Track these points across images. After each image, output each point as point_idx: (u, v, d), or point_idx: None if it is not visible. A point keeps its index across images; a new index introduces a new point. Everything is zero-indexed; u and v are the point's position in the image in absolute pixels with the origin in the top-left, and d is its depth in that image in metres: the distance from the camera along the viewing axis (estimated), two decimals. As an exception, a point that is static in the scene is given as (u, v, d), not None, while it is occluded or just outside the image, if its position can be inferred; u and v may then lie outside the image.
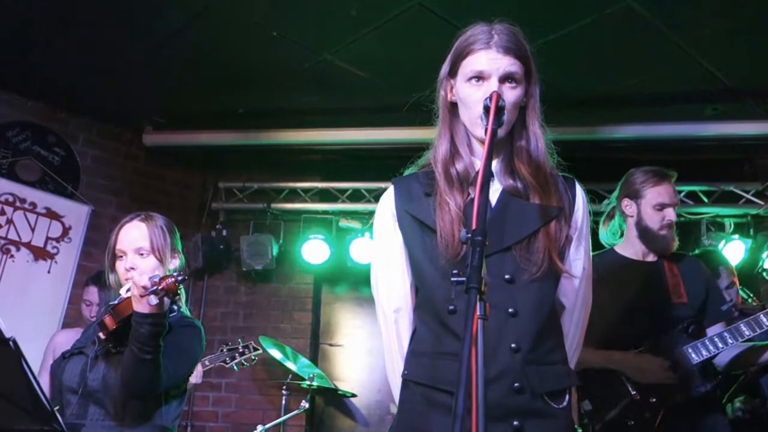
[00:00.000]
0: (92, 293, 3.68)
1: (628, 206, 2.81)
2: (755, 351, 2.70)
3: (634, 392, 2.58)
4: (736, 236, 4.69)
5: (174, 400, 2.19)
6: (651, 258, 2.77)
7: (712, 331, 2.64)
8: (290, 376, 4.35)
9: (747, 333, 2.55)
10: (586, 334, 2.67)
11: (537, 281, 1.59)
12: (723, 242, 4.67)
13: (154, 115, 4.99)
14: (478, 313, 1.16)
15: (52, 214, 4.67)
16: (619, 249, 2.85)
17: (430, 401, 1.58)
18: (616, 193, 2.90)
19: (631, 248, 2.81)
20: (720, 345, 2.56)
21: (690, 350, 2.58)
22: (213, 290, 5.40)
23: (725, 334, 2.56)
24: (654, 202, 2.72)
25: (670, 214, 2.72)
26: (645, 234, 2.74)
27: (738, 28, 3.56)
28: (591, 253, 1.80)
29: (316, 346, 5.31)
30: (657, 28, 3.56)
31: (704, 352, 2.56)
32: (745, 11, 3.41)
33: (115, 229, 2.26)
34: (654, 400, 2.55)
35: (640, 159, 4.96)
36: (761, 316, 2.55)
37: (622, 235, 2.88)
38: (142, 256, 2.19)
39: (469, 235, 1.26)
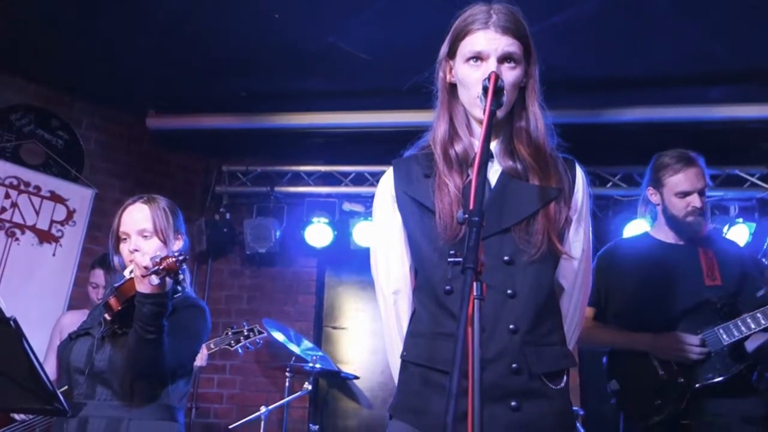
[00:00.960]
0: (98, 276, 3.71)
1: (653, 194, 2.80)
2: None
3: (661, 372, 2.57)
4: (741, 220, 4.68)
5: (180, 380, 2.21)
6: (683, 241, 2.75)
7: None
8: (294, 358, 4.37)
9: None
10: (618, 314, 2.71)
11: (536, 263, 1.59)
12: (727, 226, 4.65)
13: (158, 99, 4.99)
14: (474, 293, 1.16)
15: (56, 198, 4.69)
16: (652, 232, 2.86)
17: (428, 382, 1.58)
18: (644, 180, 2.88)
19: (662, 233, 2.79)
20: (752, 326, 2.51)
21: (721, 331, 2.54)
22: (217, 273, 5.43)
23: (758, 314, 2.51)
24: (676, 191, 2.70)
25: (695, 200, 2.67)
26: (672, 221, 2.73)
27: (745, 10, 3.53)
28: (591, 235, 1.79)
29: (319, 329, 5.34)
30: (662, 10, 3.53)
31: (736, 333, 2.52)
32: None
33: (118, 212, 2.27)
34: (682, 380, 2.53)
35: (645, 142, 4.99)
36: None
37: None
38: (146, 237, 2.20)
39: (467, 216, 1.26)
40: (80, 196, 4.80)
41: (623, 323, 2.71)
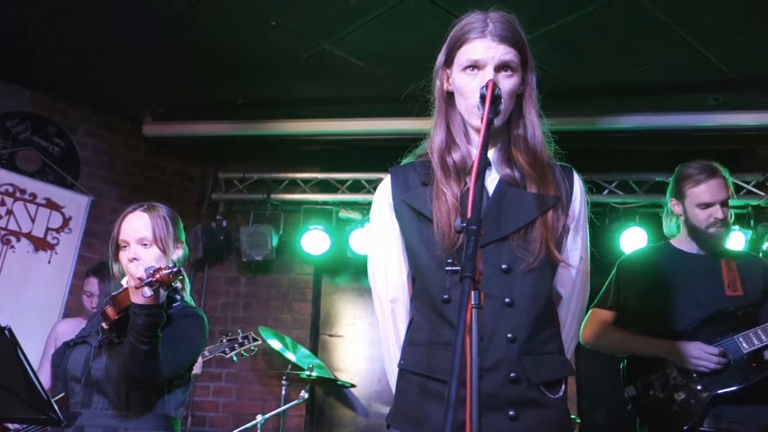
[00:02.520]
0: (92, 284, 3.69)
1: (676, 206, 2.80)
2: None
3: (680, 379, 2.57)
4: (737, 227, 4.68)
5: (177, 389, 2.20)
6: (705, 252, 2.76)
7: None
8: (290, 366, 4.36)
9: None
10: (637, 322, 2.72)
11: (534, 271, 1.59)
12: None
13: (154, 106, 4.98)
14: (472, 302, 1.16)
15: (52, 205, 4.67)
16: (674, 242, 2.86)
17: (426, 391, 1.58)
18: (668, 191, 2.89)
19: (685, 243, 2.80)
20: None
21: (741, 339, 2.55)
22: (213, 281, 5.41)
23: None
24: (697, 202, 2.70)
25: (717, 212, 2.67)
26: (693, 232, 2.74)
27: (740, 18, 3.54)
28: (588, 243, 1.79)
29: (316, 337, 5.32)
30: (658, 18, 3.54)
31: (756, 341, 2.52)
32: (748, 1, 3.39)
33: (118, 220, 2.26)
34: (700, 387, 2.53)
35: (642, 150, 5.00)
36: None
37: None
38: (145, 246, 2.19)
39: (464, 225, 1.25)
40: (76, 204, 4.79)
41: (642, 330, 2.71)
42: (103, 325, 2.10)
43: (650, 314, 2.70)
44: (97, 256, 4.62)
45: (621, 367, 2.81)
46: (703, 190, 2.69)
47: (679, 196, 2.78)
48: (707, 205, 2.68)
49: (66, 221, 4.71)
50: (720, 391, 2.51)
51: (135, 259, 2.14)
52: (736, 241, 4.61)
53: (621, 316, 2.81)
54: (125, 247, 2.20)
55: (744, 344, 2.54)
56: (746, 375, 2.52)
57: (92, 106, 4.96)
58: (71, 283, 4.64)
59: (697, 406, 2.51)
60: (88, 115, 4.99)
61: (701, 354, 2.52)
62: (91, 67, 4.40)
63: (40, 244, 4.58)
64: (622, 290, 2.80)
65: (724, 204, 2.69)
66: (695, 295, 2.66)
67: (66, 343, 2.29)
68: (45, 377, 3.46)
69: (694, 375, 2.56)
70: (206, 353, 3.84)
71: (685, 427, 2.52)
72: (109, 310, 2.06)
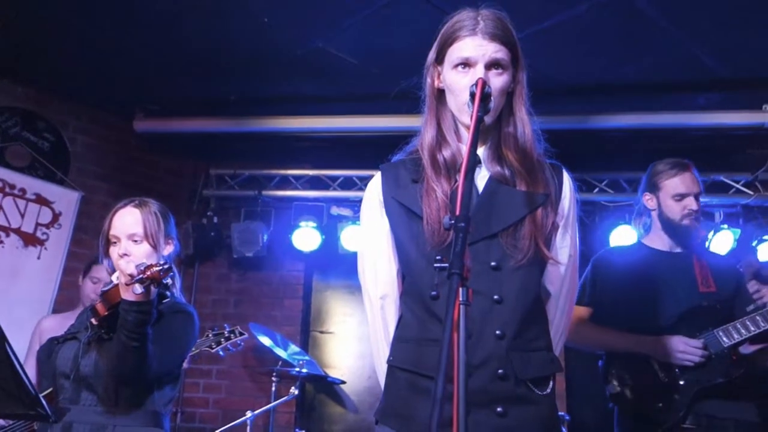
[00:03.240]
0: (102, 271, 3.65)
1: (650, 200, 2.84)
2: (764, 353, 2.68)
3: (662, 375, 2.59)
4: (726, 226, 4.71)
5: (166, 386, 2.20)
6: (678, 249, 2.79)
7: None
8: (280, 363, 4.36)
9: None
10: (614, 319, 2.72)
11: (523, 268, 1.59)
12: (712, 232, 4.68)
13: (145, 102, 4.96)
14: (460, 298, 1.16)
15: (41, 200, 4.65)
16: (646, 241, 2.89)
17: (415, 387, 1.58)
18: (639, 189, 2.93)
19: (658, 240, 2.83)
20: (752, 328, 2.54)
21: (721, 333, 2.57)
22: (204, 277, 5.40)
23: (757, 317, 2.55)
24: (672, 193, 2.75)
25: (691, 203, 2.73)
26: (668, 225, 2.78)
27: (732, 18, 3.56)
28: (578, 241, 1.80)
29: (306, 334, 5.32)
30: (651, 17, 3.55)
31: (735, 336, 2.55)
32: (741, 0, 3.41)
33: (109, 215, 2.25)
34: (683, 383, 2.55)
35: (632, 148, 5.02)
36: None
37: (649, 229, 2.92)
38: (136, 242, 2.18)
39: (453, 222, 1.26)
40: (66, 199, 4.77)
41: (619, 326, 2.72)
42: (93, 320, 2.10)
43: (627, 311, 2.71)
44: (88, 251, 4.60)
45: (599, 364, 2.82)
46: (678, 182, 2.75)
47: (654, 189, 2.82)
48: (682, 196, 2.74)
49: (56, 217, 4.69)
50: (703, 386, 2.52)
51: (125, 254, 2.14)
52: (725, 240, 4.65)
53: (598, 313, 2.81)
54: (116, 242, 2.19)
55: (724, 338, 2.56)
56: (728, 369, 2.54)
57: (83, 102, 4.94)
58: (60, 278, 4.63)
59: (681, 402, 2.53)
60: (78, 110, 4.96)
61: (686, 348, 2.54)
62: (82, 62, 4.38)
63: (30, 240, 4.56)
64: (599, 287, 2.81)
65: (697, 197, 2.75)
66: (670, 292, 2.69)
67: (54, 339, 2.28)
68: (30, 374, 3.43)
69: (677, 370, 2.57)
70: (192, 348, 3.82)
71: (670, 423, 2.53)
72: (99, 306, 2.06)
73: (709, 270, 2.72)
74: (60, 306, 4.51)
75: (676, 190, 2.75)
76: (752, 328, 2.54)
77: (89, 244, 4.70)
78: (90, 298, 3.63)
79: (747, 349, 2.64)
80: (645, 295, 2.70)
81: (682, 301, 2.66)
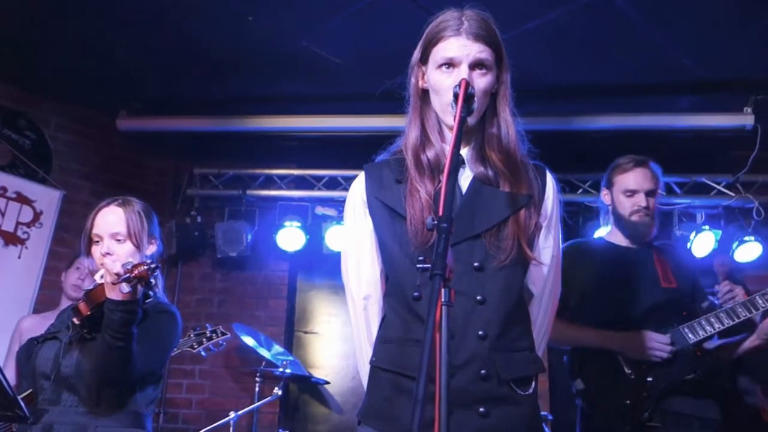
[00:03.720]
0: (87, 261, 3.61)
1: (606, 195, 2.88)
2: (727, 348, 2.71)
3: (629, 371, 2.59)
4: (707, 227, 4.75)
5: (149, 386, 2.19)
6: (636, 245, 2.80)
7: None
8: (264, 363, 4.34)
9: (743, 314, 2.56)
10: (580, 315, 2.71)
11: (506, 268, 1.60)
12: (694, 233, 4.72)
13: (129, 100, 4.92)
14: (442, 299, 1.16)
15: (22, 199, 4.60)
16: (607, 237, 2.92)
17: (398, 387, 1.58)
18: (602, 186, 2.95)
19: (615, 235, 2.85)
20: (716, 325, 2.56)
21: (686, 329, 2.58)
22: (187, 277, 5.36)
23: (721, 314, 2.57)
24: (623, 189, 2.77)
25: (640, 199, 2.73)
26: (619, 221, 2.80)
27: (713, 21, 3.59)
28: (561, 241, 1.81)
29: (291, 334, 5.30)
30: (634, 19, 3.58)
31: (701, 332, 2.57)
32: (723, 3, 3.44)
33: (91, 213, 2.23)
34: (650, 379, 2.56)
35: (616, 150, 5.04)
36: (757, 297, 2.57)
37: None
38: (119, 241, 2.17)
39: (435, 222, 1.26)
40: (48, 198, 4.71)
41: (585, 322, 2.72)
42: (74, 320, 2.08)
43: (593, 306, 2.71)
44: (70, 250, 4.55)
45: (565, 360, 2.82)
46: (628, 178, 2.77)
47: (609, 185, 2.85)
48: (632, 193, 2.75)
49: (37, 216, 4.64)
50: (670, 382, 2.54)
51: (108, 253, 2.12)
52: (707, 240, 4.69)
53: (563, 309, 2.79)
54: (98, 241, 2.18)
55: (690, 335, 2.58)
56: (693, 365, 2.56)
57: (66, 100, 4.89)
58: (41, 278, 4.58)
59: (648, 399, 2.53)
60: (61, 108, 4.91)
61: (654, 344, 2.55)
62: (64, 60, 4.33)
63: (10, 239, 4.51)
64: (564, 282, 2.80)
65: (649, 194, 2.75)
66: (634, 287, 2.69)
67: (34, 339, 2.26)
68: (10, 375, 3.39)
69: (644, 366, 2.58)
70: (174, 348, 3.80)
71: (637, 420, 2.53)
72: (82, 306, 2.04)
73: (668, 265, 2.74)
74: (41, 306, 4.46)
75: (626, 186, 2.76)
76: (717, 325, 2.56)
77: (71, 243, 4.65)
78: (74, 287, 3.58)
79: (710, 345, 2.66)
80: (609, 290, 2.71)
81: (645, 296, 2.67)
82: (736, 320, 2.56)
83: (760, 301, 2.56)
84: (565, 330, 2.73)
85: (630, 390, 2.57)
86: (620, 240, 2.83)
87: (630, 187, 2.76)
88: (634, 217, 2.74)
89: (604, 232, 3.05)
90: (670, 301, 2.65)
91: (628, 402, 2.55)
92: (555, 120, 4.53)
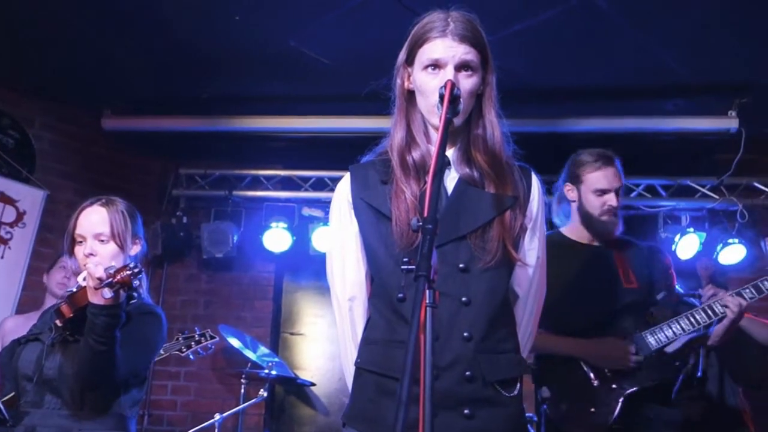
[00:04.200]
0: (71, 261, 3.58)
1: (570, 191, 2.77)
2: (702, 338, 2.69)
3: (593, 378, 2.57)
4: (692, 229, 4.79)
5: (133, 389, 2.16)
6: (597, 243, 2.74)
7: None
8: (249, 364, 4.33)
9: (703, 320, 2.57)
10: (541, 319, 2.67)
11: (491, 270, 1.60)
12: (679, 235, 4.76)
13: (114, 99, 4.88)
14: (426, 300, 1.16)
15: (5, 199, 4.55)
16: (565, 231, 2.82)
17: (382, 389, 1.58)
18: (561, 176, 2.86)
19: (577, 232, 2.77)
20: (677, 332, 2.56)
21: (648, 336, 2.57)
22: (173, 278, 5.34)
23: (683, 321, 2.57)
24: (593, 188, 2.68)
25: (611, 199, 2.66)
26: (586, 219, 2.71)
27: (700, 23, 3.62)
28: (545, 243, 1.81)
29: (277, 335, 5.29)
30: (620, 23, 3.60)
31: (663, 339, 2.56)
32: (708, 7, 3.47)
33: (74, 213, 2.21)
34: (614, 386, 2.54)
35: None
36: (716, 304, 2.57)
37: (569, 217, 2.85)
38: (102, 242, 2.15)
39: (420, 223, 1.26)
40: (31, 198, 4.67)
41: (546, 327, 2.61)
42: (57, 322, 2.06)
43: (553, 310, 2.51)
44: (53, 251, 4.52)
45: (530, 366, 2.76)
46: (600, 177, 2.68)
47: (576, 181, 2.74)
48: (603, 192, 2.67)
49: (20, 215, 4.59)
50: (634, 389, 2.52)
51: (91, 254, 2.10)
52: (692, 242, 4.73)
53: None
54: (81, 242, 2.15)
55: (652, 341, 2.57)
56: (658, 372, 2.55)
57: (50, 99, 4.84)
58: (24, 278, 4.53)
59: (613, 405, 2.51)
60: (45, 107, 4.87)
61: (618, 352, 2.53)
62: (48, 58, 4.30)
63: (-7, 239, 4.47)
64: None
65: (617, 192, 2.70)
66: (595, 288, 2.65)
67: (17, 341, 2.23)
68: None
69: (608, 374, 2.56)
70: (162, 351, 3.78)
71: (601, 428, 2.51)
72: (65, 308, 2.02)
73: (628, 264, 2.70)
74: (24, 306, 4.42)
75: (597, 184, 2.68)
76: (678, 332, 2.56)
77: (54, 243, 4.61)
78: (60, 285, 3.55)
79: (671, 348, 2.64)
80: (570, 293, 2.63)
81: (607, 298, 2.63)
82: (696, 326, 2.57)
83: (718, 308, 2.57)
84: None
85: (595, 397, 2.55)
86: (581, 236, 2.76)
87: (602, 186, 2.67)
88: (605, 217, 2.67)
89: (563, 220, 2.90)
90: (631, 304, 2.62)
91: (593, 410, 2.53)
92: (540, 122, 4.55)
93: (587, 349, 2.58)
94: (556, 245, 2.69)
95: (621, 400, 2.52)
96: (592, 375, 2.58)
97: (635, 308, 2.63)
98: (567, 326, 2.62)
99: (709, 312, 2.57)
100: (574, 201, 2.76)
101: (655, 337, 2.57)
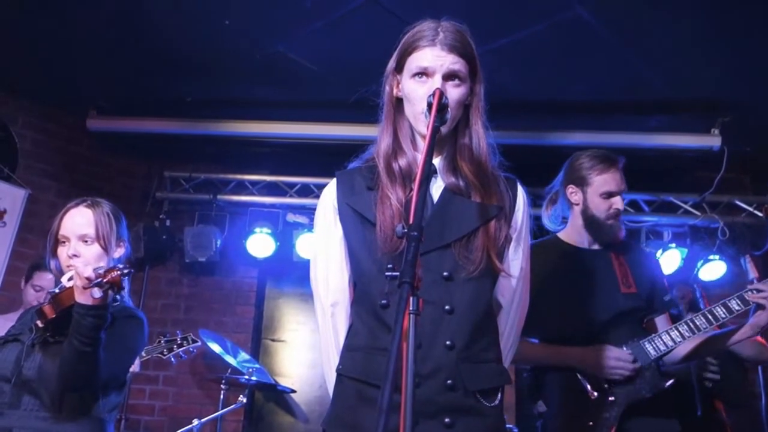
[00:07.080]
0: (46, 279, 3.53)
1: (574, 193, 2.66)
2: (718, 339, 2.56)
3: (591, 390, 2.47)
4: (674, 245, 4.84)
5: (112, 392, 2.14)
6: (596, 246, 2.64)
7: (659, 322, 2.57)
8: (230, 370, 4.30)
9: (704, 326, 2.47)
10: (535, 327, 2.50)
11: (474, 279, 1.60)
12: (661, 250, 4.80)
13: (100, 100, 4.86)
14: (410, 308, 1.16)
15: (-15, 197, 4.51)
16: (562, 236, 2.71)
17: (363, 396, 1.57)
18: (560, 178, 2.74)
19: (576, 236, 2.66)
20: (678, 339, 2.47)
21: (646, 344, 2.48)
22: (154, 281, 5.30)
23: (682, 327, 2.48)
24: (601, 191, 2.58)
25: (618, 202, 2.58)
26: (592, 223, 2.60)
27: (685, 42, 3.67)
28: (530, 254, 1.81)
29: (258, 341, 5.26)
30: (603, 39, 3.64)
31: (661, 347, 2.47)
32: (692, 24, 3.52)
33: (59, 214, 2.19)
34: (612, 398, 2.44)
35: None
36: (717, 308, 2.49)
37: (564, 221, 2.75)
38: (86, 243, 2.13)
39: (405, 231, 1.26)
40: (12, 197, 4.62)
41: (542, 335, 2.57)
42: (38, 323, 2.04)
43: (548, 318, 2.52)
44: (33, 251, 4.47)
45: (524, 376, 2.70)
46: (608, 179, 2.59)
47: (581, 183, 2.63)
48: (610, 194, 2.58)
49: (0, 214, 4.54)
50: (632, 400, 2.44)
51: (75, 255, 2.09)
52: (673, 258, 4.77)
53: None
54: (65, 242, 2.14)
55: (651, 350, 2.48)
56: (656, 382, 2.47)
57: (34, 98, 4.81)
58: (3, 278, 4.48)
59: (612, 418, 2.42)
60: (28, 106, 4.83)
61: (617, 363, 2.43)
62: (33, 57, 4.27)
63: (-28, 238, 4.41)
64: None
65: (622, 195, 2.62)
66: (593, 294, 2.55)
67: (-5, 340, 2.20)
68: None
69: (605, 385, 2.46)
70: (143, 354, 3.75)
71: None
72: (47, 309, 2.00)
73: (627, 268, 2.61)
74: (2, 307, 4.36)
75: (605, 187, 2.58)
76: (678, 339, 2.47)
77: (35, 244, 4.57)
78: (32, 305, 3.51)
79: (681, 351, 2.58)
80: (567, 300, 2.55)
81: (605, 304, 2.53)
82: (696, 332, 2.47)
83: (720, 312, 2.48)
84: (522, 347, 2.47)
85: (592, 411, 2.46)
86: (580, 241, 2.66)
87: (609, 189, 2.57)
88: (611, 221, 2.59)
89: (554, 224, 2.76)
90: (630, 310, 2.54)
91: (590, 423, 2.44)
92: (526, 134, 4.58)
93: (584, 358, 2.47)
94: (553, 251, 2.67)
95: (619, 413, 2.42)
96: (589, 387, 2.48)
97: (633, 315, 2.55)
98: (563, 333, 2.54)
99: (710, 317, 2.48)
100: (577, 204, 2.65)
101: (653, 345, 2.48)
